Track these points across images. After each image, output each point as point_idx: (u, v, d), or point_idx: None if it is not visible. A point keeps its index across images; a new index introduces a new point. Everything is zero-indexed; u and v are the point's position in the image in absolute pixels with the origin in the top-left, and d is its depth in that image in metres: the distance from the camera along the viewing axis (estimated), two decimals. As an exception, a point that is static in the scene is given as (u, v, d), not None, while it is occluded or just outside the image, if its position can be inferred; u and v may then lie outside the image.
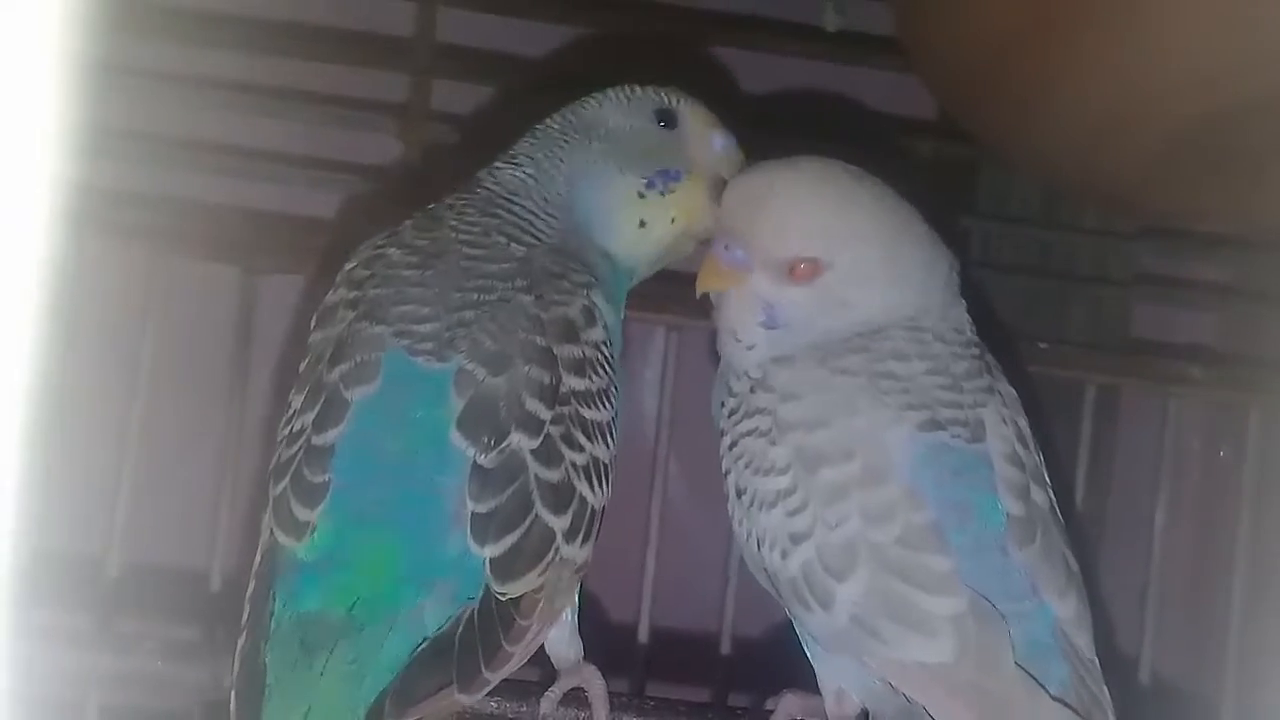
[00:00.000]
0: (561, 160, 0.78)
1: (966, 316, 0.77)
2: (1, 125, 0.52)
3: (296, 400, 0.72)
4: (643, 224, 0.78)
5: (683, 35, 1.12)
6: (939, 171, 1.17)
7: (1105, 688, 0.69)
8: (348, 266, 0.76)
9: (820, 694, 0.74)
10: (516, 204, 0.77)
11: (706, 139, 0.79)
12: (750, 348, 0.75)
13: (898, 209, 0.76)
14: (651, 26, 1.11)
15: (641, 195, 0.77)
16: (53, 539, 0.78)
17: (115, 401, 0.94)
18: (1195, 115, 0.84)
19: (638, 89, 0.80)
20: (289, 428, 0.71)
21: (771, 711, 0.77)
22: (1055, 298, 1.14)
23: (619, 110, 0.79)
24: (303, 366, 0.73)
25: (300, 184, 1.07)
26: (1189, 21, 0.80)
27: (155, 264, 0.95)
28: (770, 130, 1.11)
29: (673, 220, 0.78)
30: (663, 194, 0.77)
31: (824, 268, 0.73)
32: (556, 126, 0.80)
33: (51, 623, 0.82)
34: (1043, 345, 1.06)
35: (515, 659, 0.67)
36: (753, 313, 0.75)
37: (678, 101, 0.79)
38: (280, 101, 1.07)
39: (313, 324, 0.75)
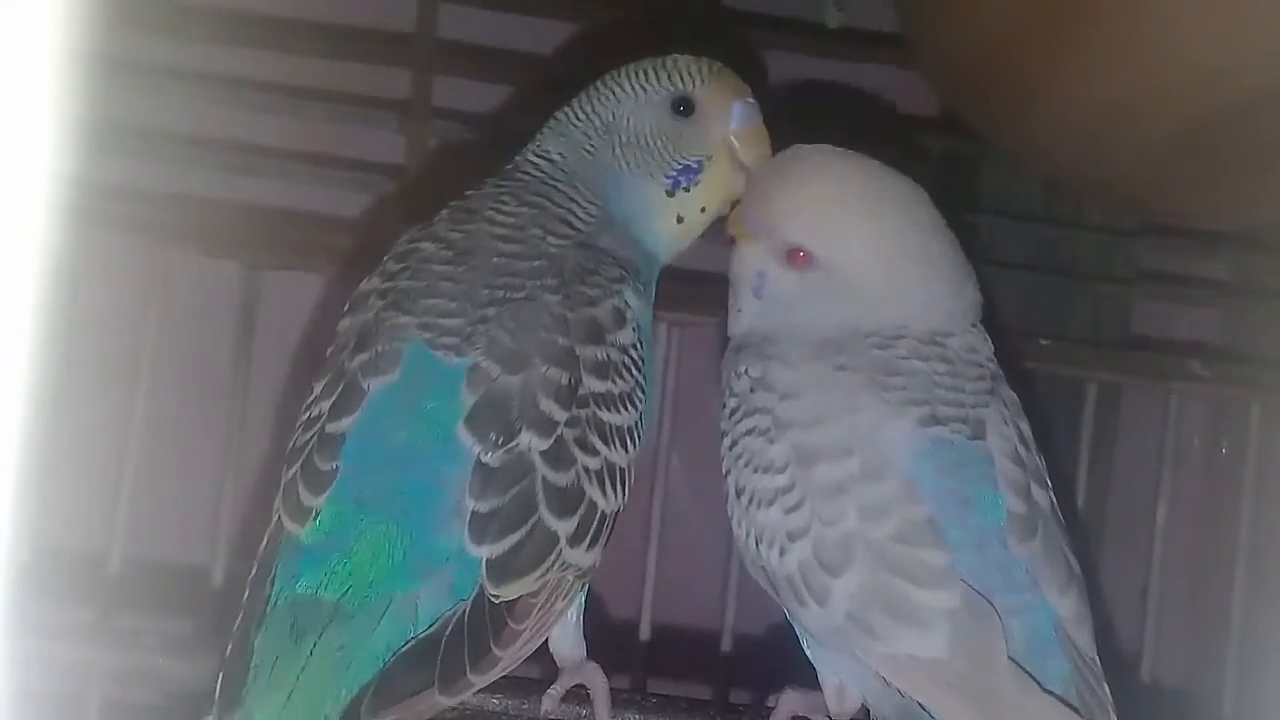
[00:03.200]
0: (588, 166, 0.78)
1: (984, 340, 0.76)
2: (3, 120, 0.52)
3: (318, 386, 0.72)
4: (680, 219, 0.78)
5: (684, 32, 1.11)
6: (941, 168, 1.17)
7: (1105, 685, 0.69)
8: (384, 260, 0.76)
9: (821, 690, 0.74)
10: (558, 191, 0.77)
11: (725, 115, 0.78)
12: (739, 310, 0.78)
13: (920, 228, 0.76)
14: (652, 23, 1.11)
15: (670, 194, 0.78)
16: (54, 535, 0.78)
17: (117, 397, 0.94)
18: (1198, 111, 0.84)
19: (653, 75, 0.78)
20: (307, 413, 0.71)
21: (772, 708, 0.77)
22: (1057, 294, 1.14)
23: (635, 106, 0.78)
24: (329, 352, 0.73)
25: (302, 180, 1.07)
26: (1193, 17, 0.80)
27: (156, 259, 0.95)
28: (772, 127, 1.11)
29: (703, 210, 0.79)
30: (688, 190, 0.78)
31: (815, 263, 0.74)
32: (579, 126, 0.79)
33: (53, 618, 0.82)
34: (1045, 342, 1.06)
35: (504, 663, 0.66)
36: (749, 277, 0.77)
37: (695, 83, 0.78)
38: (281, 97, 1.06)
39: (345, 309, 0.74)
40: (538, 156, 0.79)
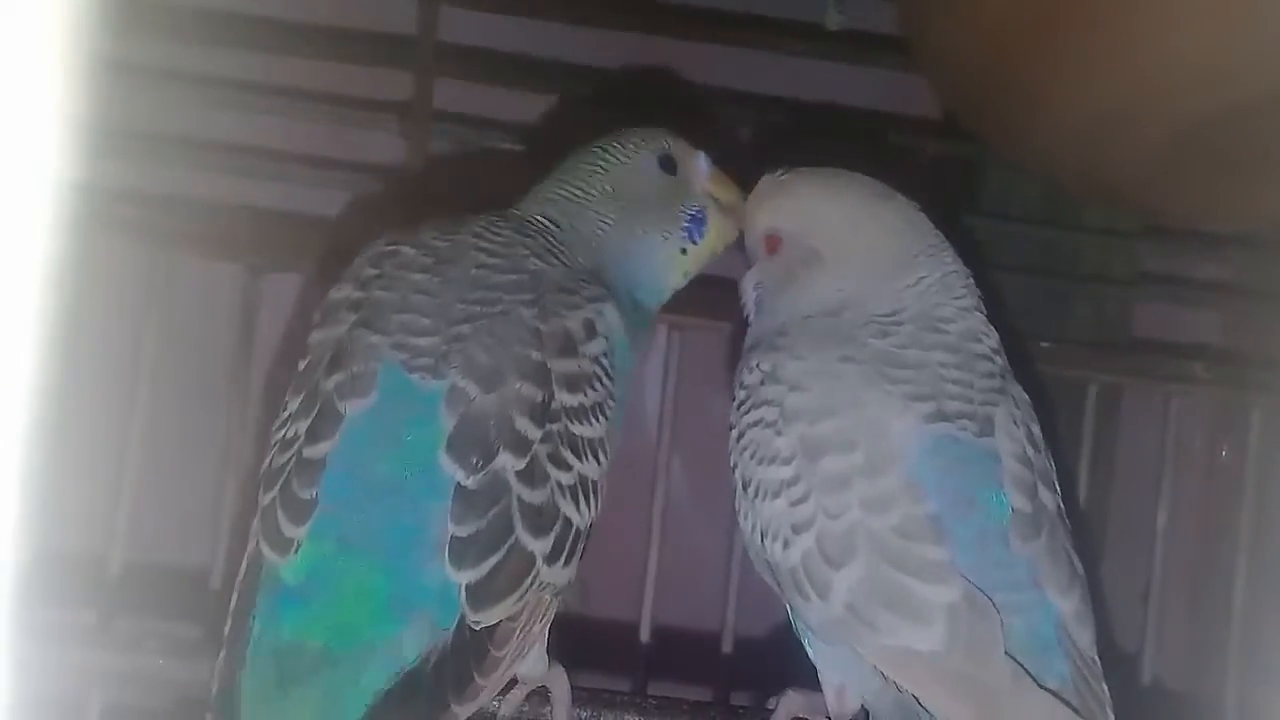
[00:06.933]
0: (601, 238, 0.78)
1: (986, 326, 0.77)
2: (4, 123, 0.52)
3: (293, 403, 0.71)
4: (686, 274, 0.82)
5: (686, 34, 1.11)
6: (942, 170, 1.17)
7: (1104, 685, 0.69)
8: (357, 261, 0.75)
9: (821, 692, 0.74)
10: (557, 235, 0.77)
11: (697, 166, 0.82)
12: (749, 326, 0.82)
13: (875, 196, 0.79)
14: (653, 25, 1.11)
15: (684, 251, 0.81)
16: (55, 537, 0.78)
17: (117, 400, 0.94)
18: (1199, 113, 0.84)
19: (630, 143, 0.80)
20: (283, 432, 0.70)
21: (773, 710, 0.77)
22: (1058, 296, 1.14)
23: (628, 171, 0.80)
24: (302, 366, 0.73)
25: (303, 182, 1.07)
26: (1194, 18, 0.80)
27: (157, 262, 0.95)
28: (772, 130, 1.12)
29: (708, 257, 0.82)
30: (696, 242, 0.81)
31: (785, 240, 0.79)
32: (586, 201, 0.79)
33: (54, 621, 0.82)
34: (1045, 344, 1.06)
35: (488, 691, 0.66)
36: (750, 293, 0.82)
37: (666, 143, 0.81)
38: (283, 100, 1.07)
39: (315, 320, 0.74)
40: (546, 220, 0.78)
